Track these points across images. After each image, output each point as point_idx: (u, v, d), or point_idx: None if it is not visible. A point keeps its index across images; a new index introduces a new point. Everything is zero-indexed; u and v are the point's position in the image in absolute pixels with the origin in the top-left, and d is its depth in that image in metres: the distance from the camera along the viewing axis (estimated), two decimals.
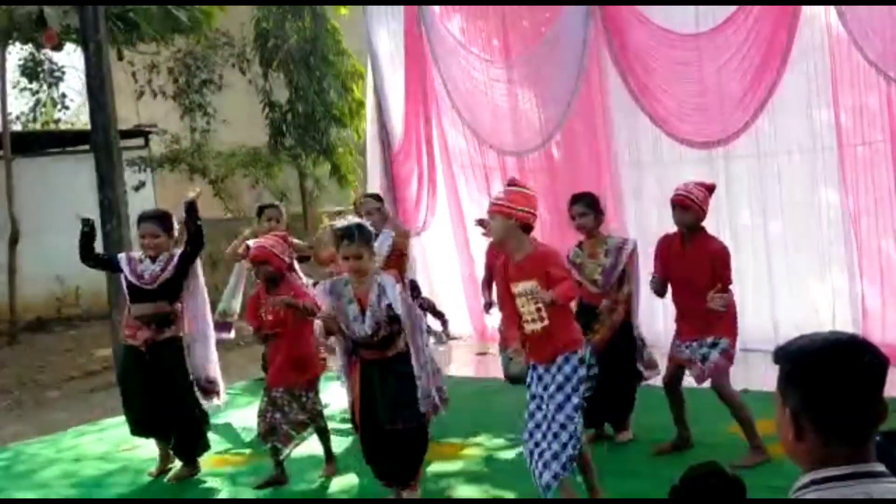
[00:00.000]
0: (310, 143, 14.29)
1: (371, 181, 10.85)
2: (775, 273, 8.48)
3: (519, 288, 5.06)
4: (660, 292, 6.26)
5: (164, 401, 6.53)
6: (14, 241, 13.79)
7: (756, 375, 6.93)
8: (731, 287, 5.94)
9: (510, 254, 5.14)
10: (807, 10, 7.82)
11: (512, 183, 5.30)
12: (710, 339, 5.94)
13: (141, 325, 6.52)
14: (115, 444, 7.69)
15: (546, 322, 5.02)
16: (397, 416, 5.40)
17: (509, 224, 5.02)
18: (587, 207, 6.47)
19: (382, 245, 7.05)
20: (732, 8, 8.13)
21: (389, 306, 5.28)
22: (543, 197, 9.84)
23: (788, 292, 8.42)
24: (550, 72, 9.28)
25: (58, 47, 13.30)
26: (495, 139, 9.83)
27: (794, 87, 8.05)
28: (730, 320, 5.99)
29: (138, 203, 12.02)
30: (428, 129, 10.33)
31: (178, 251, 6.62)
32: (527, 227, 5.07)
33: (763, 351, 6.91)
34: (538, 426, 5.01)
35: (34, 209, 14.42)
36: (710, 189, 6.09)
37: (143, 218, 6.64)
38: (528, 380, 5.15)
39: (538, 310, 5.02)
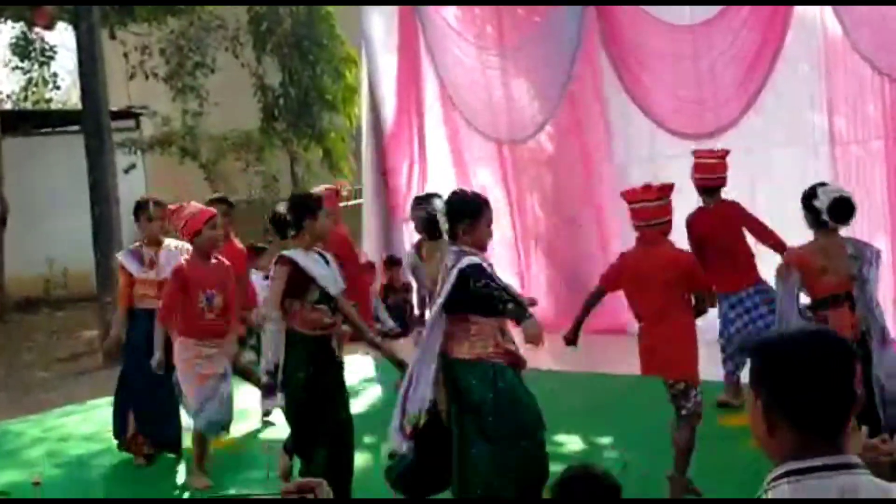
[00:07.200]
0: (302, 128, 14.24)
1: (365, 169, 10.82)
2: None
3: None
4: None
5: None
6: (3, 220, 13.73)
7: None
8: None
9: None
10: (801, 6, 7.81)
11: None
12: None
13: None
14: (101, 425, 7.65)
15: None
16: None
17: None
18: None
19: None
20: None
21: None
22: (537, 190, 9.83)
23: None
24: (544, 61, 9.24)
25: (50, 26, 13.25)
26: (488, 126, 9.79)
27: (786, 83, 8.03)
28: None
29: (129, 185, 11.97)
30: (420, 116, 10.29)
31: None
32: None
33: None
34: None
35: (23, 189, 14.37)
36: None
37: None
38: None
39: None
